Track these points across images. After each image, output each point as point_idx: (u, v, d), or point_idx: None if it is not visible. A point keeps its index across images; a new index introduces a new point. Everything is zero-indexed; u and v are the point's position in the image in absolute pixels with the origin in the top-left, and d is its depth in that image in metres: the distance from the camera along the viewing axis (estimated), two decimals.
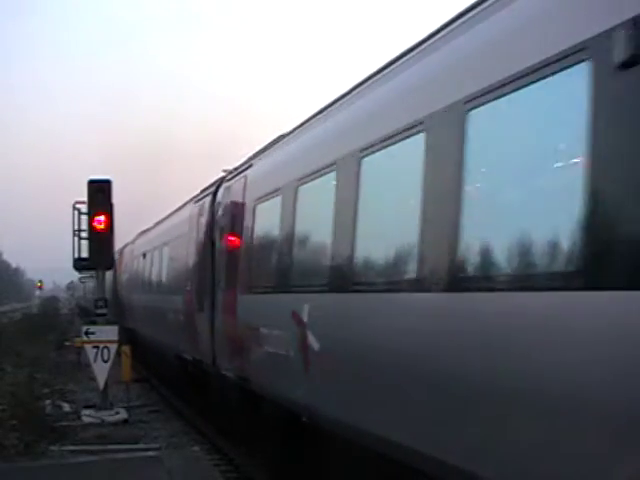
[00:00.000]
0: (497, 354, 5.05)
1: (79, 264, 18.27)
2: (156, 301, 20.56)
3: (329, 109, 9.32)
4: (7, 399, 15.87)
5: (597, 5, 4.62)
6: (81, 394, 19.84)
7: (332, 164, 8.11)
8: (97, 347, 16.78)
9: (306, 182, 8.96)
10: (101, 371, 16.83)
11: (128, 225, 32.52)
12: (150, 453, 12.67)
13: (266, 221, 10.60)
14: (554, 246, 4.75)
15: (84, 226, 17.46)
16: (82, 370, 22.38)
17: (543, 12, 5.09)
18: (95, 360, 16.82)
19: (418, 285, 6.14)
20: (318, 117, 9.72)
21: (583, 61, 4.46)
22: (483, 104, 5.41)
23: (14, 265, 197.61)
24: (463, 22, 6.22)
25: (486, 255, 5.45)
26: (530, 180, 5.05)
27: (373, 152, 7.16)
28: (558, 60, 4.66)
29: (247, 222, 11.49)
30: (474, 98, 5.51)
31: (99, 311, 17.74)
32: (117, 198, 17.44)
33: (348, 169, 7.63)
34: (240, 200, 12.04)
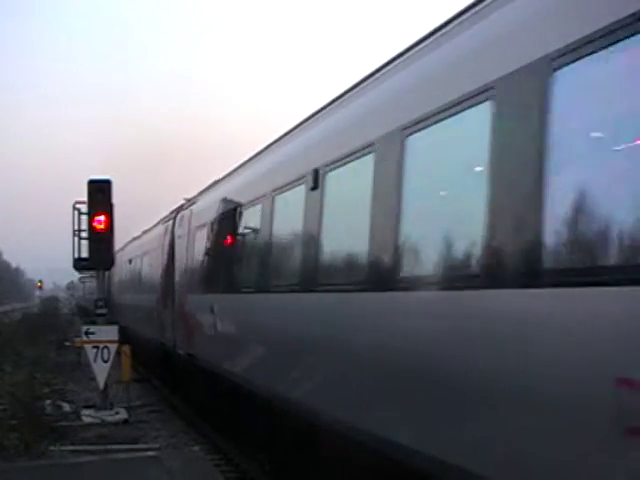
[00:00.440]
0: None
1: (79, 264, 18.26)
2: (138, 300, 24.44)
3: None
4: (7, 399, 15.89)
5: None
6: (81, 394, 19.85)
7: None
8: (97, 347, 16.79)
9: (223, 219, 13.12)
10: (101, 371, 16.84)
11: (128, 225, 32.67)
12: (150, 453, 12.67)
13: (200, 244, 14.84)
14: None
15: (84, 226, 17.44)
16: (82, 370, 22.40)
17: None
18: (95, 360, 16.83)
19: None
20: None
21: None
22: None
23: (14, 265, 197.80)
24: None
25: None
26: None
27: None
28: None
29: (190, 243, 15.99)
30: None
31: (99, 311, 17.75)
32: (117, 198, 17.47)
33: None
34: (187, 227, 16.55)
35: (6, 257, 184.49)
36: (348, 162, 7.49)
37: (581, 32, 4.49)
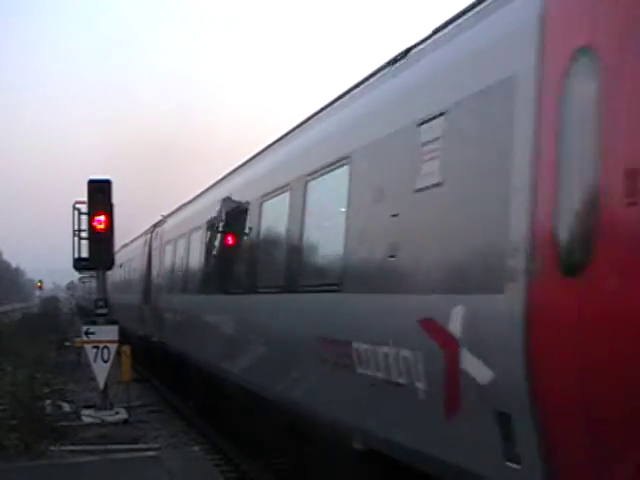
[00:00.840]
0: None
1: (79, 264, 18.27)
2: (127, 299, 27.40)
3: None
4: (7, 399, 15.88)
5: None
6: (81, 394, 19.85)
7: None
8: (97, 347, 16.80)
9: (182, 238, 17.02)
10: (101, 371, 16.85)
11: (128, 225, 32.67)
12: (150, 453, 12.68)
13: (167, 256, 19.21)
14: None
15: (84, 226, 17.46)
16: (82, 370, 22.40)
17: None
18: (95, 360, 16.84)
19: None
20: (191, 200, 18.31)
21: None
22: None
23: (14, 265, 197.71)
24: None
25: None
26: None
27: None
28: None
29: (161, 254, 20.22)
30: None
31: (99, 311, 17.74)
32: (117, 198, 17.49)
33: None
34: (159, 241, 20.74)
35: (6, 257, 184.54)
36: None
37: (314, 166, 8.78)
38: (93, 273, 25.57)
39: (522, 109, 4.85)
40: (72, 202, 17.64)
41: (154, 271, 21.12)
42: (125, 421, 16.39)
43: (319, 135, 9.22)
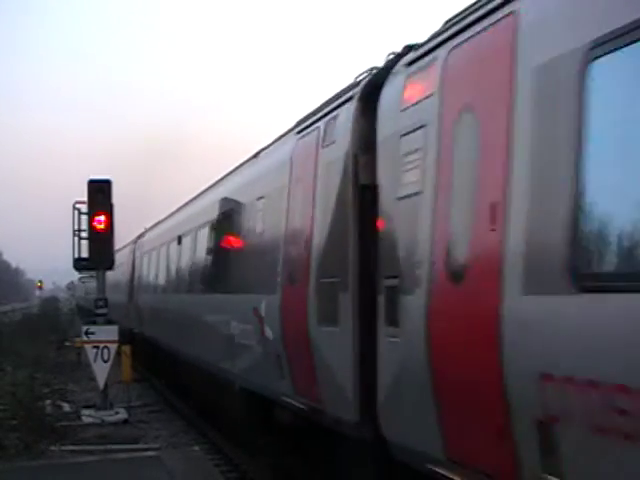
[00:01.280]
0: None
1: (79, 264, 18.29)
2: (117, 298, 30.27)
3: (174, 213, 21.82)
4: (7, 399, 15.88)
5: None
6: (81, 394, 19.86)
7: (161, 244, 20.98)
8: (97, 347, 16.80)
9: (152, 252, 22.64)
10: (101, 371, 16.85)
11: (128, 225, 32.81)
12: (150, 453, 12.70)
13: (145, 264, 24.23)
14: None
15: (84, 226, 17.48)
16: (82, 370, 22.41)
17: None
18: (95, 360, 16.84)
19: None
20: (161, 221, 24.20)
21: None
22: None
23: (14, 265, 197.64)
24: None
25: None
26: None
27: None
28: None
29: (141, 262, 25.39)
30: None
31: (99, 311, 17.76)
32: (117, 198, 17.50)
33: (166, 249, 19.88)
34: (140, 251, 25.98)
35: (6, 257, 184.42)
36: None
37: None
38: (93, 273, 25.63)
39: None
40: (72, 202, 17.67)
41: (136, 275, 26.46)
42: (125, 421, 16.40)
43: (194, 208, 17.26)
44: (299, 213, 8.73)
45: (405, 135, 6.33)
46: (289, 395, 8.97)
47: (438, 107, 5.83)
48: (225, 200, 13.24)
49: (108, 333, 17.08)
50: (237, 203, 12.17)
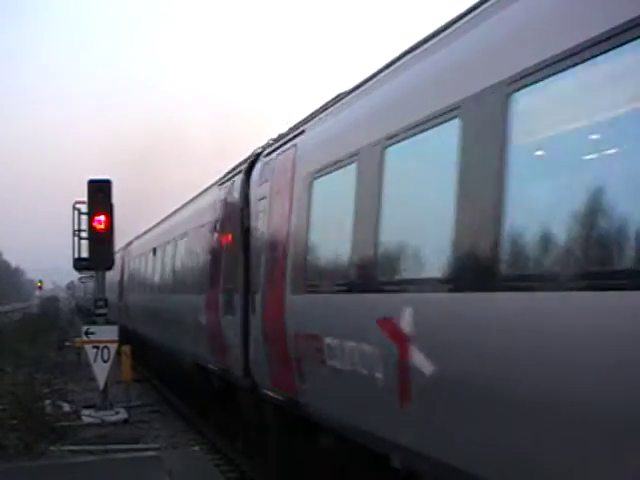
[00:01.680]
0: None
1: (79, 264, 18.27)
2: (110, 298, 33.59)
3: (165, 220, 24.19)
4: (7, 399, 15.89)
5: None
6: (81, 394, 19.85)
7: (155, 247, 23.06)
8: (97, 347, 16.80)
9: (139, 257, 26.28)
10: (101, 371, 16.85)
11: (128, 225, 32.83)
12: (150, 453, 12.69)
13: (131, 269, 28.88)
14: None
15: (84, 226, 17.47)
16: (82, 370, 22.41)
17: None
18: (95, 360, 16.83)
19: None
20: (147, 230, 27.44)
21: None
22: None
23: (14, 265, 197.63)
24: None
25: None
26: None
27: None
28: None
29: (128, 267, 29.73)
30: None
31: (99, 311, 17.75)
32: (117, 198, 17.49)
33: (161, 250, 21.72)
34: (129, 257, 30.02)
35: (6, 257, 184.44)
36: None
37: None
38: (93, 273, 25.65)
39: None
40: (72, 202, 17.66)
41: (125, 278, 31.13)
42: (125, 421, 16.40)
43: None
44: (217, 241, 13.35)
45: (260, 200, 10.51)
46: (212, 363, 13.51)
47: (270, 188, 9.97)
48: (175, 225, 19.04)
49: (108, 333, 17.07)
50: (182, 230, 17.56)
